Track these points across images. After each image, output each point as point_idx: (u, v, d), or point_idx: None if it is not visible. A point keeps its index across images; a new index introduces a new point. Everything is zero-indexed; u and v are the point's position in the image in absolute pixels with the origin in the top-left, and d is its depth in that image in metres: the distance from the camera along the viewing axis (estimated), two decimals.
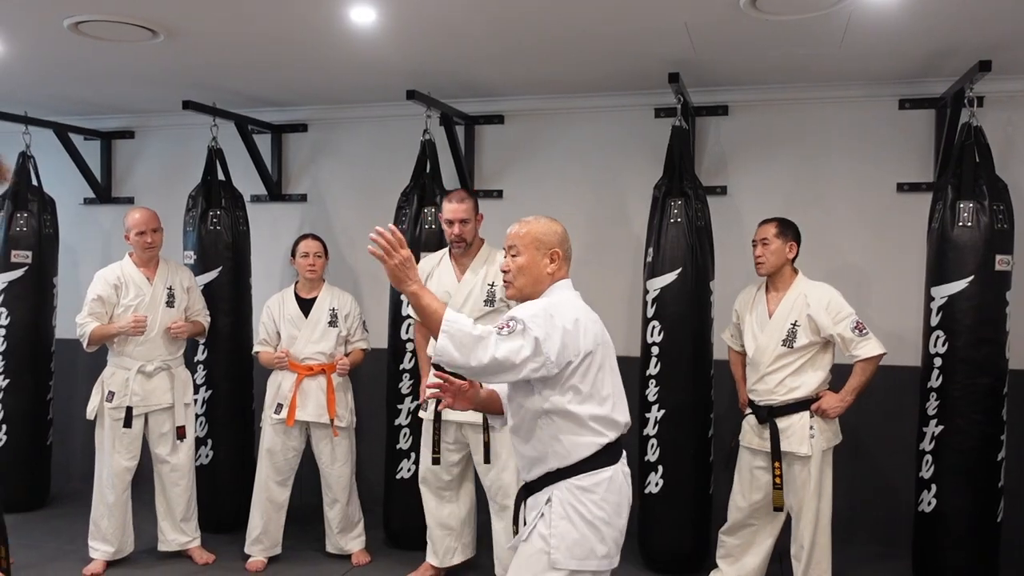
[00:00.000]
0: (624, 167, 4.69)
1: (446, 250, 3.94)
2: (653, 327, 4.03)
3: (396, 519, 4.38)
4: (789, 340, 3.54)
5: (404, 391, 4.30)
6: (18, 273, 4.90)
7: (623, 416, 2.40)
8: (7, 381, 4.89)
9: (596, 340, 2.35)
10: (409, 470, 4.28)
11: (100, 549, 4.10)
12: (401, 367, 4.31)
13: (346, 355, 4.25)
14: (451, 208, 3.78)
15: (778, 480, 3.53)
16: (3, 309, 4.88)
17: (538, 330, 2.21)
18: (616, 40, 3.64)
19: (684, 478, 4.00)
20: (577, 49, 3.79)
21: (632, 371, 4.11)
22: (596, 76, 4.30)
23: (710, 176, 4.56)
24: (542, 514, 2.31)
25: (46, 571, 4.10)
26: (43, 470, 5.08)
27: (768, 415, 3.59)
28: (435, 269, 3.91)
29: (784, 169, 4.52)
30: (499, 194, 4.88)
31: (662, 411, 4.00)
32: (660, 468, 4.01)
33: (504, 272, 2.47)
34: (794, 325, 3.53)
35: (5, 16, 3.42)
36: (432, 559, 3.99)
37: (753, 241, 3.71)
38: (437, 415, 3.79)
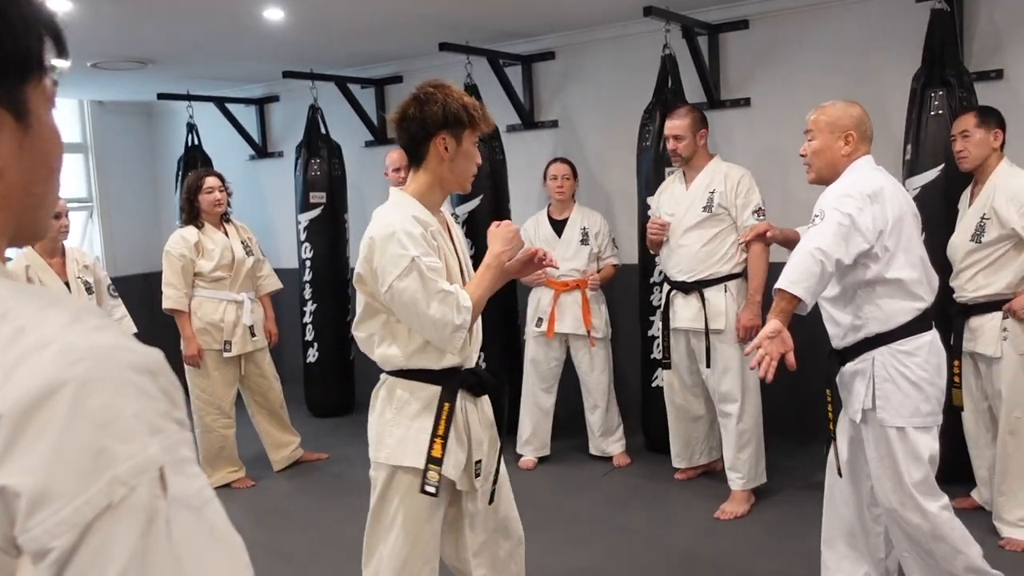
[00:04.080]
0: (881, 61, 4.40)
1: (680, 168, 4.09)
2: None
3: (653, 425, 4.58)
4: (978, 235, 3.26)
5: (655, 303, 4.45)
6: (316, 212, 5.63)
7: (936, 281, 2.55)
8: (314, 305, 5.69)
9: (902, 207, 2.48)
10: (664, 381, 4.45)
11: None
12: (651, 280, 4.46)
13: (598, 271, 4.48)
14: (668, 124, 3.95)
15: (956, 379, 3.35)
16: (307, 244, 5.66)
17: (847, 208, 2.38)
18: None
19: None
20: None
21: None
22: None
23: (982, 60, 4.15)
24: (865, 378, 2.50)
25: (361, 460, 4.82)
26: (348, 380, 5.87)
27: (962, 313, 3.37)
28: (670, 184, 4.11)
29: None
30: (747, 102, 4.78)
31: None
32: None
33: (802, 156, 2.64)
34: (983, 219, 3.24)
35: None
36: (678, 462, 4.25)
37: (952, 135, 3.42)
38: (665, 323, 4.00)
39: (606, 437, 4.57)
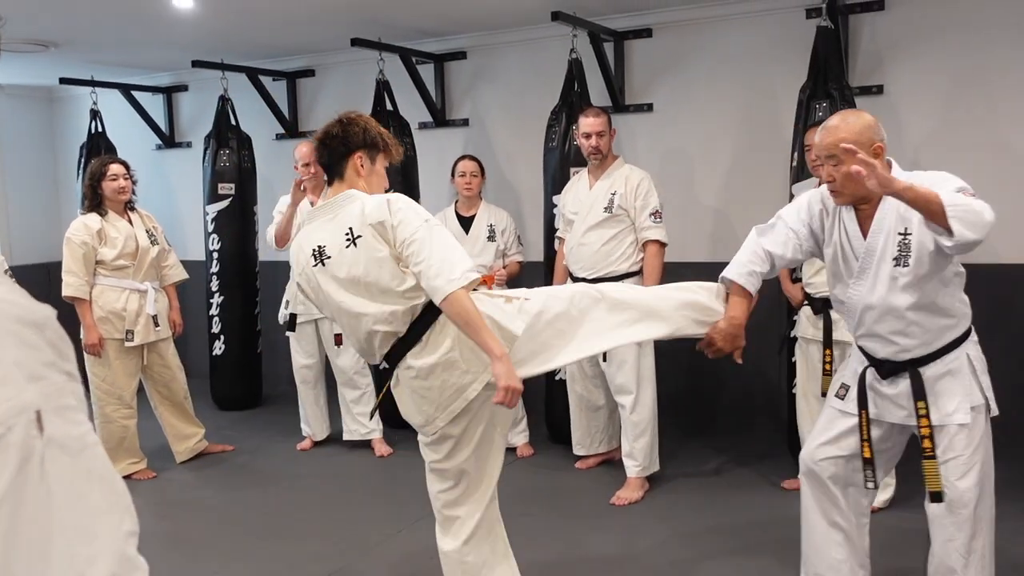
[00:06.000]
0: (775, 72, 4.65)
1: (586, 168, 4.22)
2: None
3: (557, 417, 4.72)
4: None
5: None
6: (224, 204, 5.59)
7: None
8: (221, 298, 5.64)
9: None
10: (567, 372, 4.60)
11: (304, 430, 4.97)
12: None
13: (503, 267, 4.60)
14: (587, 122, 4.03)
15: (827, 367, 3.56)
16: (215, 235, 5.61)
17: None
18: None
19: None
20: None
21: None
22: None
23: (864, 76, 4.44)
24: (963, 376, 2.47)
25: (266, 452, 4.86)
26: (256, 374, 5.85)
27: (823, 306, 3.63)
28: (575, 184, 4.25)
29: (946, 64, 4.33)
30: (649, 107, 4.98)
31: None
32: None
33: (830, 182, 2.43)
34: None
35: None
36: (578, 449, 4.40)
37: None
38: None
39: (511, 429, 4.69)
